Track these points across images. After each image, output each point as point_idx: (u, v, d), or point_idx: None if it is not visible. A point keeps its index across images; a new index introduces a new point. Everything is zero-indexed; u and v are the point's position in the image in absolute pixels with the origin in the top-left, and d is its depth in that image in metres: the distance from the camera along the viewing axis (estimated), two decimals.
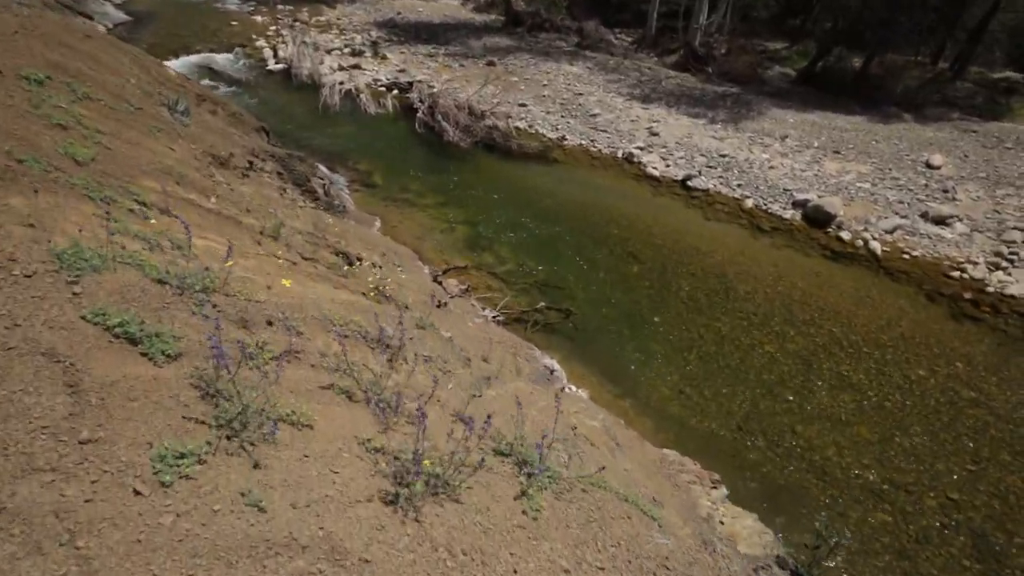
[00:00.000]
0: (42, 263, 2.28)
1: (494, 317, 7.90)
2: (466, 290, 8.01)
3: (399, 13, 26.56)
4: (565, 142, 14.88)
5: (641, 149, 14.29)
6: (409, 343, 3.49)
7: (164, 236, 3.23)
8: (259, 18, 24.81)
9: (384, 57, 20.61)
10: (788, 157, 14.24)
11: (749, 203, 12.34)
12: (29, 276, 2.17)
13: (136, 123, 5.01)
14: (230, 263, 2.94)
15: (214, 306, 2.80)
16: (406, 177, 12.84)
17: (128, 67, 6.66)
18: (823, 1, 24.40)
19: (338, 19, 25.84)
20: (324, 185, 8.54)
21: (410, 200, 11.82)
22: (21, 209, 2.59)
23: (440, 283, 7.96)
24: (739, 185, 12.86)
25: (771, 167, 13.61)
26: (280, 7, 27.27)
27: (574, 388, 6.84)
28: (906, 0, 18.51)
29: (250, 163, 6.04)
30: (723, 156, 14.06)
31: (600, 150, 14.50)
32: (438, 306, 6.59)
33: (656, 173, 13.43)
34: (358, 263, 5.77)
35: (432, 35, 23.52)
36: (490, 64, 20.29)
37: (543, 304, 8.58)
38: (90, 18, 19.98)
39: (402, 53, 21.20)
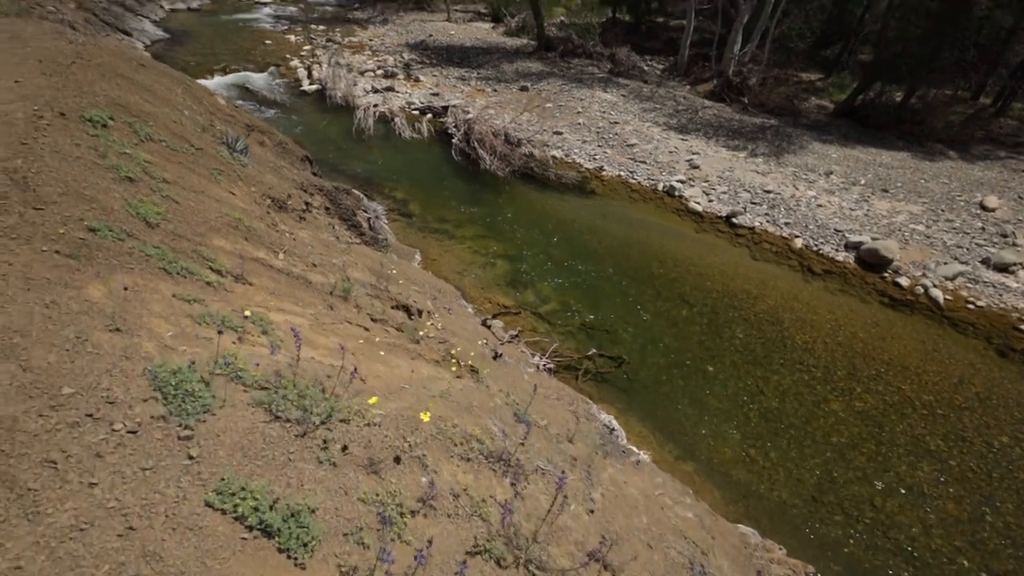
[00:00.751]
0: (143, 402, 1.91)
1: (545, 366, 7.47)
2: (516, 336, 7.60)
3: (431, 35, 26.67)
4: (603, 173, 14.54)
5: (682, 182, 13.90)
6: (520, 449, 3.09)
7: (249, 318, 2.88)
8: (293, 37, 25.02)
9: (417, 80, 20.56)
10: (835, 195, 13.77)
11: (798, 243, 11.86)
12: (135, 433, 1.79)
13: (198, 166, 4.72)
14: (340, 364, 2.57)
15: (343, 449, 2.41)
16: (443, 206, 12.56)
17: (181, 97, 6.43)
18: (861, 34, 24.11)
19: (370, 40, 26.00)
20: (369, 219, 8.23)
21: (448, 232, 11.50)
22: (102, 304, 2.25)
23: (489, 326, 7.56)
24: (787, 224, 12.40)
25: (819, 205, 13.14)
26: (313, 27, 27.56)
27: (637, 451, 6.36)
28: (948, 35, 18.14)
29: (306, 204, 5.73)
30: (767, 192, 13.62)
31: (639, 182, 14.13)
32: (494, 357, 6.20)
33: (699, 208, 13.02)
34: (418, 315, 5.41)
35: (464, 58, 23.51)
36: (523, 89, 20.14)
37: (594, 351, 8.14)
38: (129, 35, 20.21)
39: (435, 76, 21.15)
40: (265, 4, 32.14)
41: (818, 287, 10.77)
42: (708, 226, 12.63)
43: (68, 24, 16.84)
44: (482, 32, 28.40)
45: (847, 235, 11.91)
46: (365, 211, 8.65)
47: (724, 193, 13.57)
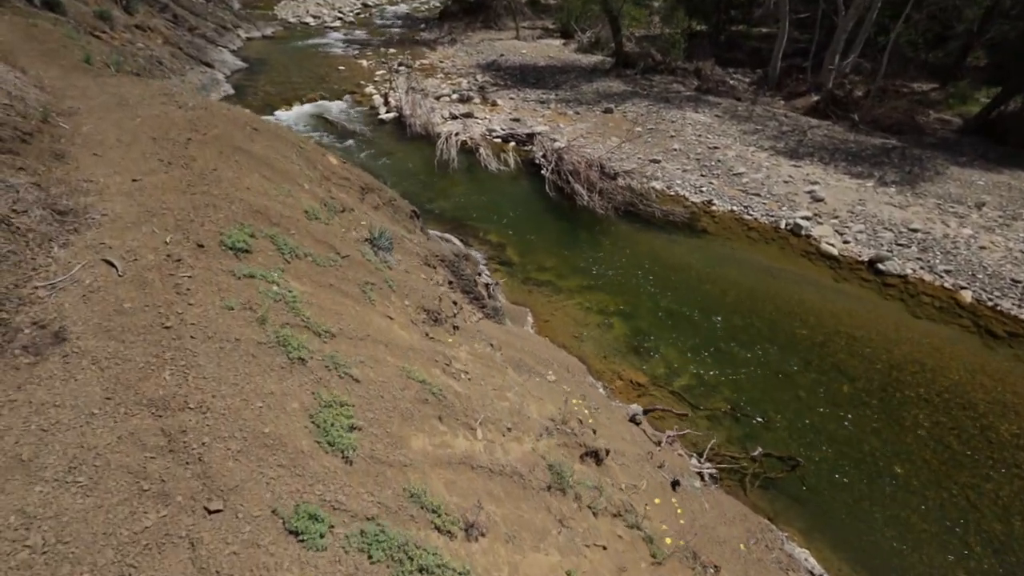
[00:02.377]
0: None
1: (710, 474, 6.15)
2: (673, 441, 6.32)
3: (502, 55, 25.88)
4: (713, 208, 13.07)
5: (808, 219, 12.25)
6: None
7: None
8: (365, 62, 24.79)
9: (494, 103, 19.69)
10: (996, 233, 11.76)
11: (967, 296, 10.02)
12: None
13: (349, 284, 3.81)
14: None
15: None
16: (541, 251, 11.44)
17: (297, 164, 5.57)
18: (986, 37, 21.51)
19: (441, 62, 25.46)
20: (489, 287, 7.19)
21: (553, 284, 10.36)
22: None
23: (638, 422, 6.31)
24: (947, 271, 10.56)
25: (981, 247, 11.20)
26: (383, 50, 27.34)
27: None
28: None
29: (454, 304, 4.70)
30: (914, 231, 11.78)
31: (756, 219, 12.57)
32: (673, 486, 4.94)
33: (833, 251, 11.34)
34: (605, 455, 4.28)
35: (539, 79, 22.52)
36: (607, 112, 18.90)
37: (760, 451, 6.74)
38: (211, 66, 20.35)
39: (511, 99, 20.24)
40: (334, 28, 32.41)
41: (1006, 355, 8.92)
42: (848, 273, 10.94)
43: (156, 61, 16.94)
44: (553, 50, 27.38)
45: None
46: (479, 274, 7.63)
47: (861, 232, 11.82)
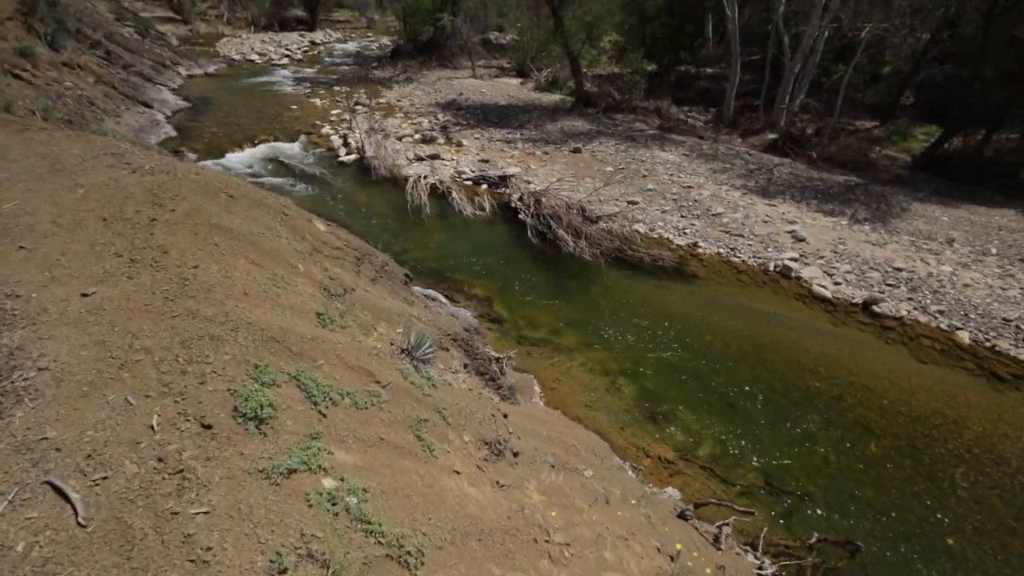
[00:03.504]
0: None
1: (771, 570, 5.38)
2: (727, 534, 5.53)
3: (461, 94, 25.50)
4: (699, 250, 12.75)
5: (795, 260, 12.10)
6: None
7: None
8: (318, 101, 23.76)
9: (459, 144, 19.07)
10: (972, 269, 11.97)
11: (964, 337, 9.95)
12: None
13: (402, 431, 2.84)
14: None
15: None
16: (531, 305, 10.65)
17: (283, 235, 4.56)
18: (918, 79, 22.95)
19: (398, 101, 24.77)
20: (499, 361, 6.30)
21: (551, 342, 9.55)
22: None
23: (687, 518, 5.50)
24: (940, 311, 10.52)
25: (965, 284, 11.31)
26: (336, 89, 26.40)
27: None
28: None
29: (502, 444, 3.77)
30: (898, 269, 11.81)
31: (744, 261, 12.32)
32: None
33: (827, 293, 11.16)
34: None
35: (502, 118, 22.17)
36: (575, 151, 18.65)
37: (816, 536, 6.05)
38: (150, 107, 18.77)
39: (477, 139, 19.69)
40: (282, 66, 31.25)
41: (1018, 400, 8.77)
42: (845, 316, 10.73)
43: (87, 101, 15.32)
44: (512, 88, 27.30)
45: (1022, 325, 10.03)
46: (486, 347, 6.73)
47: (849, 273, 11.74)
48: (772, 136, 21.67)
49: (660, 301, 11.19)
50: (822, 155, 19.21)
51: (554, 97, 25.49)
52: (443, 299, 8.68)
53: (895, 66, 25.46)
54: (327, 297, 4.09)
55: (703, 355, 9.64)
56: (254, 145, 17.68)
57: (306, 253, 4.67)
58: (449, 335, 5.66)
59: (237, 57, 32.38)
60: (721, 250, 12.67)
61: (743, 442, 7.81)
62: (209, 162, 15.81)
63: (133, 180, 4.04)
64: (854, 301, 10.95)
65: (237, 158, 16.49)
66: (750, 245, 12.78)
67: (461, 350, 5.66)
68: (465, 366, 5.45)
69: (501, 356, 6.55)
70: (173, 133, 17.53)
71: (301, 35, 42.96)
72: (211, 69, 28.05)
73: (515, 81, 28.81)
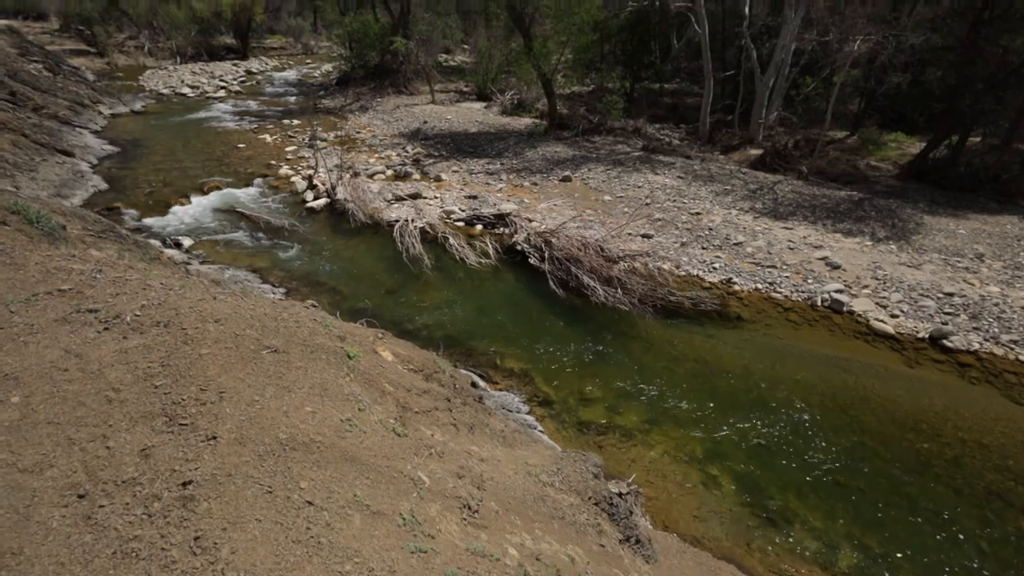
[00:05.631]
0: None
1: None
2: None
3: (425, 122, 23.78)
4: (735, 287, 11.56)
5: (841, 292, 11.10)
6: None
7: None
8: (268, 137, 21.44)
9: (438, 179, 17.34)
10: (1017, 287, 11.35)
11: None
12: None
13: None
14: None
15: None
16: (573, 374, 9.04)
17: (359, 398, 2.79)
18: (882, 89, 23.17)
19: (358, 132, 22.77)
20: (626, 498, 4.61)
21: (615, 426, 7.95)
22: None
23: None
24: (1013, 341, 9.69)
25: (1022, 307, 10.61)
26: (285, 122, 24.14)
27: None
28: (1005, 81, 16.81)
29: None
30: (948, 295, 11.01)
31: (787, 296, 11.21)
32: None
33: (888, 328, 10.16)
34: None
35: (476, 146, 20.62)
36: (565, 180, 17.32)
37: None
38: (71, 154, 16.01)
39: (455, 172, 18.03)
40: (219, 99, 28.55)
41: None
42: (915, 354, 9.72)
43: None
44: (477, 113, 25.84)
45: None
46: (609, 485, 5.02)
47: (901, 302, 10.83)
48: (754, 152, 21.21)
49: (712, 353, 9.85)
50: (812, 169, 18.76)
51: (524, 121, 24.22)
52: (534, 424, 6.90)
53: (848, 75, 25.85)
54: (467, 523, 2.38)
55: (783, 419, 8.31)
56: (204, 193, 15.30)
57: (395, 420, 2.90)
58: (591, 498, 3.97)
59: (166, 91, 29.40)
60: (759, 285, 11.52)
61: (879, 540, 6.45)
62: (151, 220, 13.37)
63: (111, 354, 2.17)
64: (919, 336, 9.99)
65: (185, 212, 14.09)
66: (787, 277, 11.72)
67: (606, 513, 3.96)
68: (619, 541, 3.76)
69: (626, 490, 4.87)
70: (103, 186, 14.89)
71: (234, 64, 40.09)
72: (138, 106, 25.11)
73: (478, 105, 27.40)
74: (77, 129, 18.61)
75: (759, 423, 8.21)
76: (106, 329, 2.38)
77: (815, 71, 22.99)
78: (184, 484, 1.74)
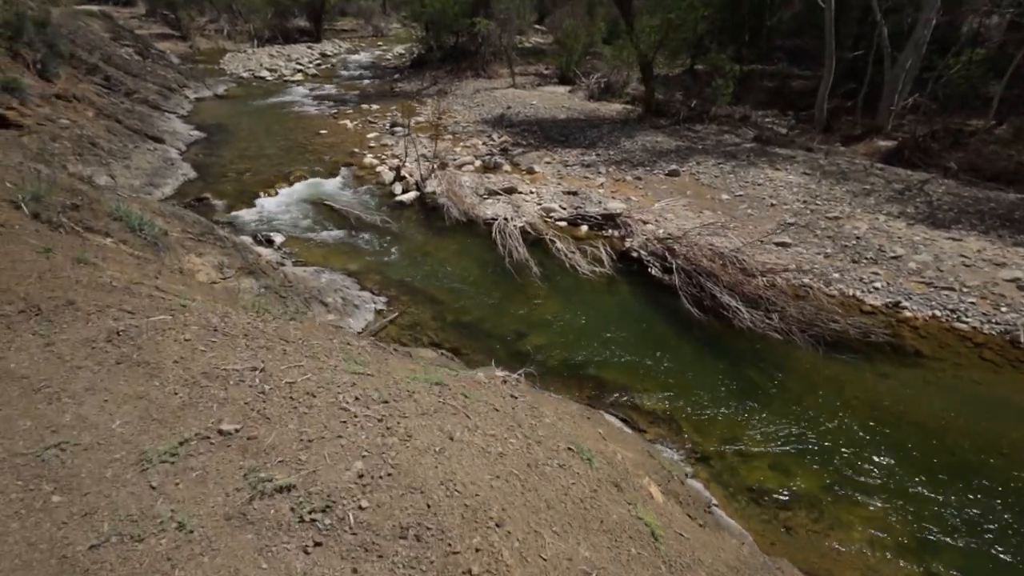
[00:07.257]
0: None
1: None
2: None
3: (509, 107, 22.38)
4: (904, 314, 9.63)
5: None
6: None
7: None
8: (348, 123, 20.66)
9: (530, 171, 15.97)
10: None
11: None
12: None
13: None
14: None
15: None
16: (728, 421, 7.53)
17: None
18: None
19: (439, 118, 21.61)
20: None
21: (794, 496, 6.43)
22: None
23: None
24: None
25: None
26: (364, 107, 23.33)
27: None
28: None
29: None
30: None
31: (975, 328, 9.20)
32: None
33: None
34: None
35: (567, 135, 19.06)
36: (672, 175, 15.54)
37: None
38: (161, 140, 15.66)
39: (548, 163, 16.59)
40: (297, 83, 28.18)
41: None
42: None
43: (89, 142, 12.20)
44: (562, 98, 24.19)
45: None
46: None
47: None
48: (883, 143, 18.60)
49: (890, 397, 8.07)
50: (963, 165, 16.10)
51: (614, 107, 22.40)
52: (709, 497, 5.53)
53: (990, 52, 22.35)
54: None
55: (1003, 497, 6.52)
56: (290, 184, 14.59)
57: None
58: None
59: (246, 74, 29.36)
60: (937, 312, 9.55)
61: None
62: (240, 211, 12.73)
63: None
64: None
65: (273, 204, 13.40)
66: (973, 303, 9.66)
67: None
68: None
69: None
70: (192, 174, 14.44)
71: (309, 47, 39.95)
72: (220, 90, 25.01)
73: (561, 89, 25.72)
74: (166, 114, 18.41)
75: (971, 503, 6.47)
76: (317, 545, 1.22)
77: (958, 49, 19.94)
78: None
